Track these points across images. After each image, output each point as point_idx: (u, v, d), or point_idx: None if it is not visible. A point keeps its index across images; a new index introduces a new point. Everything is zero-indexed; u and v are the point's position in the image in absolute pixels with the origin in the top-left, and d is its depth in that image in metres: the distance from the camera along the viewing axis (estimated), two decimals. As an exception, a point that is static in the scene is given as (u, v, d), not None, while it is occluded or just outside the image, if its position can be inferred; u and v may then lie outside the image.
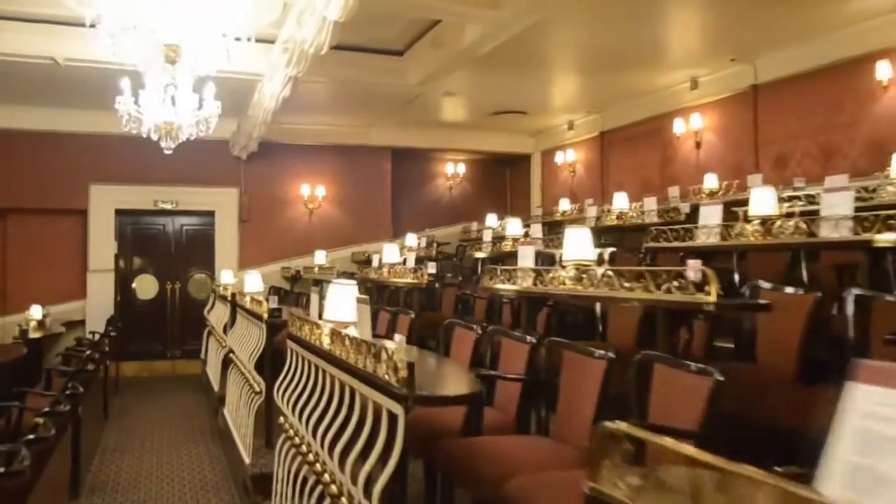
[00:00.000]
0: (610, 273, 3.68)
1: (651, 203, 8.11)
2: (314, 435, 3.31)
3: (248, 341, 6.27)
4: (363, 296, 3.06)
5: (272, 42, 8.32)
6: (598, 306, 5.43)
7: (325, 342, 3.33)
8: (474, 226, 12.68)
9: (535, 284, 4.41)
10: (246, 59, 9.04)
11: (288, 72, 7.52)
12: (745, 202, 7.86)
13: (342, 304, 3.36)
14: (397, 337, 2.47)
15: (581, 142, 13.08)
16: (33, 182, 11.50)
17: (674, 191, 9.04)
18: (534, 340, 3.87)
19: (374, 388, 2.60)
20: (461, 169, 14.85)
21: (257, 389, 5.49)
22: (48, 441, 3.78)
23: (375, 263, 8.28)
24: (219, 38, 6.27)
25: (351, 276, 10.78)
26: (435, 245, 10.87)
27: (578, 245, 4.07)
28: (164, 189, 12.18)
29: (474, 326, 4.58)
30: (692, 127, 10.36)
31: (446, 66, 9.21)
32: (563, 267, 4.10)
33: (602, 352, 3.36)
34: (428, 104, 11.60)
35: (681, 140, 10.66)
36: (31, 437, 3.69)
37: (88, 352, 7.07)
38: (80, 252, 11.98)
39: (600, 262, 3.94)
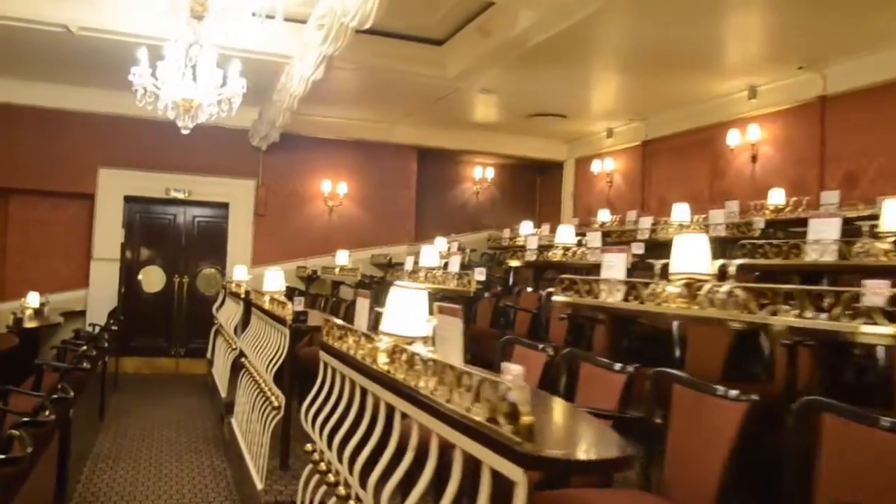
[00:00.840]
0: (739, 292, 2.93)
1: (718, 216, 7.33)
2: (363, 483, 2.57)
3: (265, 347, 5.53)
4: (451, 305, 2.30)
5: (303, 22, 7.66)
6: (675, 327, 4.67)
7: (381, 361, 2.59)
8: (506, 233, 11.90)
9: (626, 300, 3.66)
10: (274, 39, 8.42)
11: (323, 50, 6.80)
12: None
13: (407, 314, 2.62)
14: (511, 366, 1.73)
15: (620, 150, 12.34)
16: (39, 162, 10.85)
17: (732, 205, 8.27)
18: (631, 370, 3.11)
19: (467, 435, 1.86)
20: (489, 173, 14.09)
21: (276, 404, 4.75)
22: (23, 462, 3.05)
23: (409, 266, 7.52)
24: (246, 13, 5.61)
25: (381, 279, 10.08)
26: (468, 251, 10.12)
27: (691, 255, 3.33)
28: (177, 177, 11.52)
29: (541, 346, 3.84)
30: (748, 139, 9.60)
31: (489, 58, 8.52)
32: (670, 281, 3.36)
33: (735, 392, 2.61)
34: (461, 102, 10.92)
35: (735, 153, 9.89)
36: (2, 456, 2.99)
37: (85, 347, 6.34)
38: (84, 239, 11.30)
39: (722, 276, 3.20)
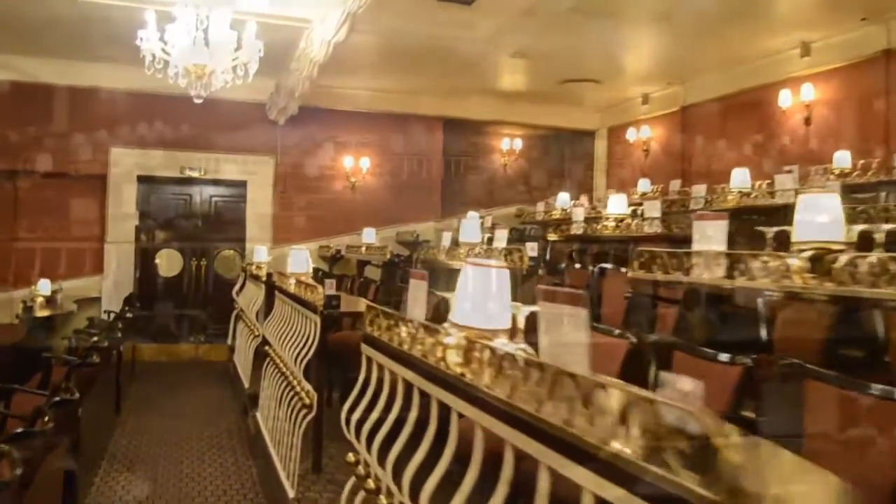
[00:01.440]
0: (893, 266, 2.32)
1: (787, 180, 6.67)
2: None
3: (291, 335, 4.97)
4: (573, 290, 1.70)
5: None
6: (761, 305, 4.06)
7: (452, 360, 2.02)
8: (540, 206, 11.24)
9: (728, 276, 3.05)
10: (290, 2, 7.86)
11: (346, 7, 6.20)
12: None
13: (486, 300, 2.04)
14: (680, 379, 1.16)
15: (658, 117, 11.67)
16: (48, 143, 10.37)
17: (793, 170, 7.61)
18: (747, 361, 2.53)
19: (609, 479, 1.29)
20: (517, 145, 13.39)
21: (307, 402, 4.20)
22: (9, 487, 2.52)
23: (445, 243, 6.94)
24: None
25: (408, 258, 9.52)
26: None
27: (819, 220, 2.72)
28: (192, 155, 10.99)
29: (617, 331, 3.26)
30: (802, 99, 8.90)
31: (520, 18, 7.89)
32: (792, 252, 2.76)
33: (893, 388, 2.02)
34: (489, 68, 10.35)
35: (787, 115, 9.20)
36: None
37: (96, 338, 5.83)
38: (97, 222, 10.80)
39: (864, 246, 2.60)
